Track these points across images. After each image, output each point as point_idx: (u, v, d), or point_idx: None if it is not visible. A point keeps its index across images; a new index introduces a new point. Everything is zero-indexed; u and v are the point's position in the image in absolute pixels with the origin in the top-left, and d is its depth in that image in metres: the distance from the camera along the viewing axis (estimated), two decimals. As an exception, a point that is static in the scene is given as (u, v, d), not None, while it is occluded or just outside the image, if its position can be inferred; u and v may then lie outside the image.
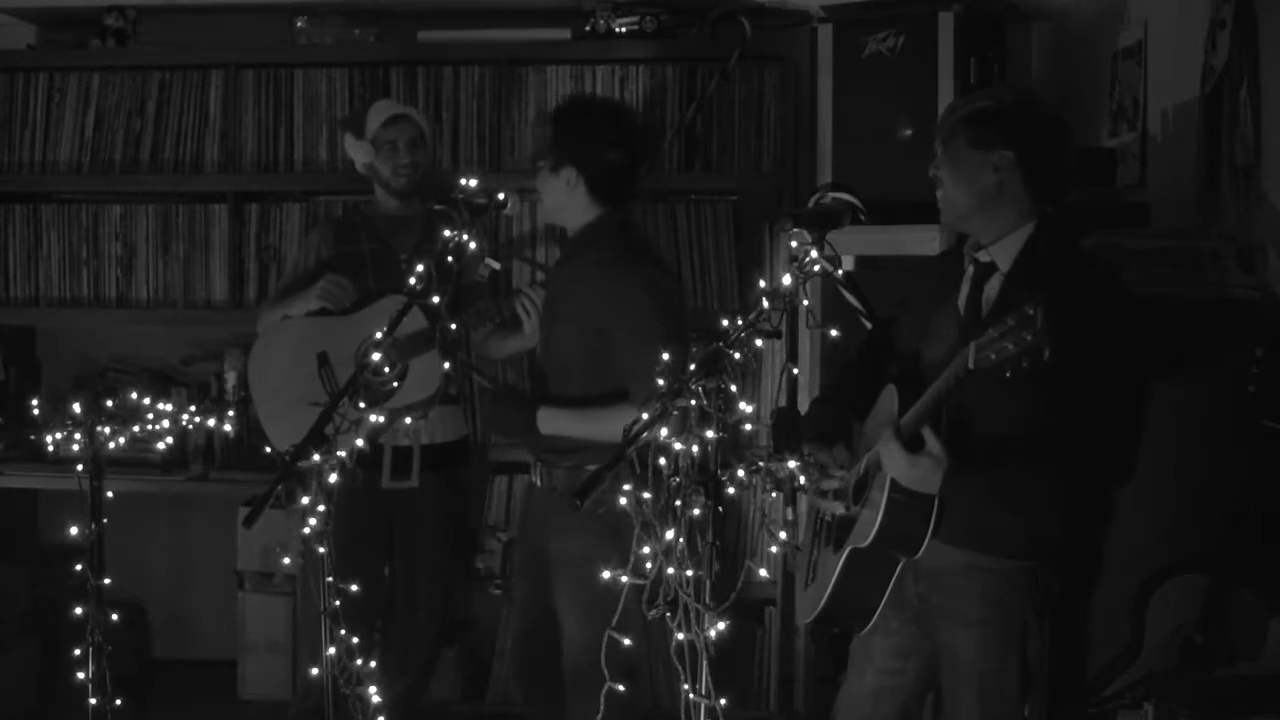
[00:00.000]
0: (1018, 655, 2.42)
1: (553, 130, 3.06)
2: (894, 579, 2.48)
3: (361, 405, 2.60)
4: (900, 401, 2.41)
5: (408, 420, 3.37)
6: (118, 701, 2.86)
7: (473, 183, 2.96)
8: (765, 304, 2.22)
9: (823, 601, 2.55)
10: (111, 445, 2.87)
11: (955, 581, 2.44)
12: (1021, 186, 2.41)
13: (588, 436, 2.94)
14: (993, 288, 2.44)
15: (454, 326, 3.18)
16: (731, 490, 2.21)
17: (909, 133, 3.52)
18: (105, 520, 2.85)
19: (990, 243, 2.45)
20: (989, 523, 2.38)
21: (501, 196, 3.13)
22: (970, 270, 2.49)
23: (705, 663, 2.12)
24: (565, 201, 3.02)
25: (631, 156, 3.03)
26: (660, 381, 2.15)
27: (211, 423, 3.15)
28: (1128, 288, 2.40)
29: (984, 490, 2.32)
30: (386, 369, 2.90)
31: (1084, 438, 2.26)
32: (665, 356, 2.31)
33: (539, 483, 3.11)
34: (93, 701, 2.84)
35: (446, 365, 3.26)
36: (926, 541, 2.37)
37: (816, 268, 2.31)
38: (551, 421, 2.99)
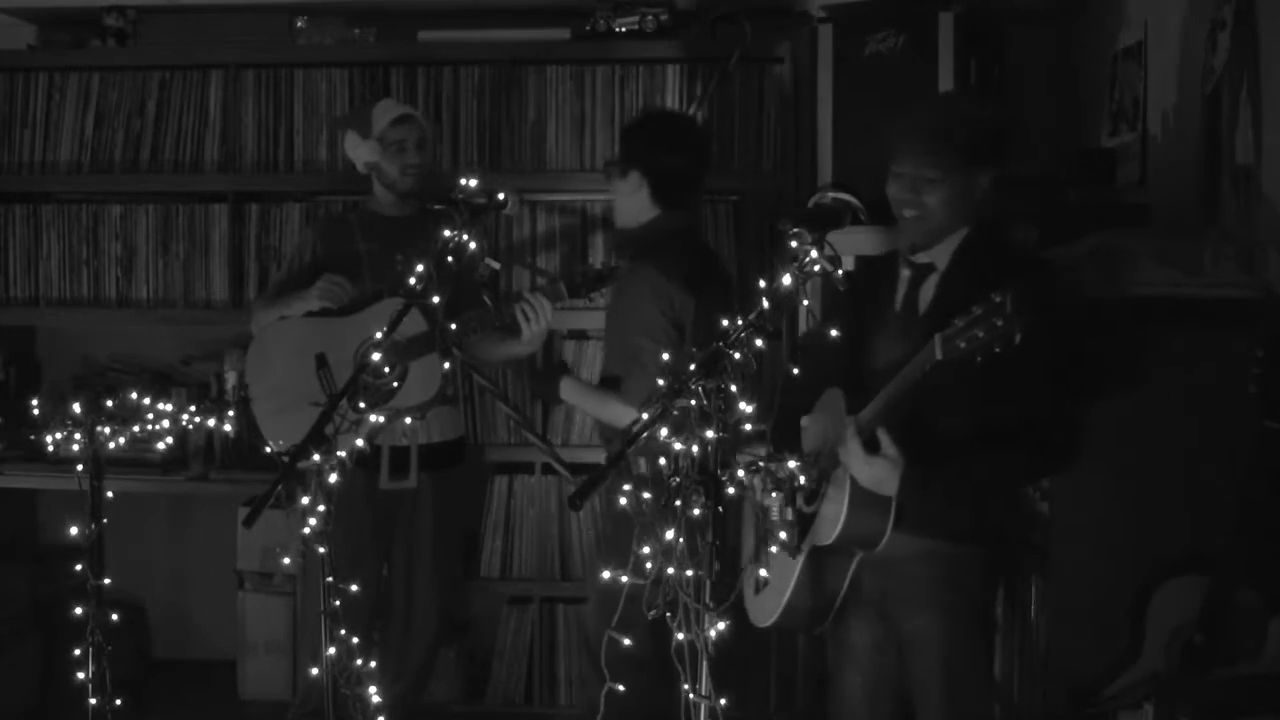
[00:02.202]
0: (980, 634, 2.55)
1: (623, 138, 3.34)
2: (849, 575, 2.52)
3: (361, 406, 2.60)
4: (848, 403, 2.45)
5: (407, 420, 3.37)
6: (118, 701, 2.86)
7: (473, 183, 2.96)
8: (765, 304, 2.22)
9: (783, 603, 2.57)
10: (111, 445, 2.87)
11: (910, 569, 2.49)
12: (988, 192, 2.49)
13: (594, 414, 3.36)
14: (929, 287, 2.50)
15: (454, 327, 3.19)
16: (731, 490, 2.21)
17: (909, 133, 3.51)
18: (105, 520, 2.85)
19: (928, 245, 2.51)
20: (940, 511, 2.45)
21: (501, 196, 3.13)
22: (906, 274, 2.55)
23: (705, 663, 2.12)
24: (630, 203, 3.21)
25: (691, 162, 3.21)
26: (659, 381, 2.18)
27: (211, 423, 3.14)
28: (1067, 282, 2.52)
29: (940, 490, 2.39)
30: (387, 370, 2.90)
31: (1030, 429, 2.35)
32: (665, 358, 2.32)
33: None
34: (93, 701, 2.83)
35: (446, 366, 3.27)
36: (887, 536, 2.42)
37: (816, 268, 2.31)
38: (569, 390, 3.27)
